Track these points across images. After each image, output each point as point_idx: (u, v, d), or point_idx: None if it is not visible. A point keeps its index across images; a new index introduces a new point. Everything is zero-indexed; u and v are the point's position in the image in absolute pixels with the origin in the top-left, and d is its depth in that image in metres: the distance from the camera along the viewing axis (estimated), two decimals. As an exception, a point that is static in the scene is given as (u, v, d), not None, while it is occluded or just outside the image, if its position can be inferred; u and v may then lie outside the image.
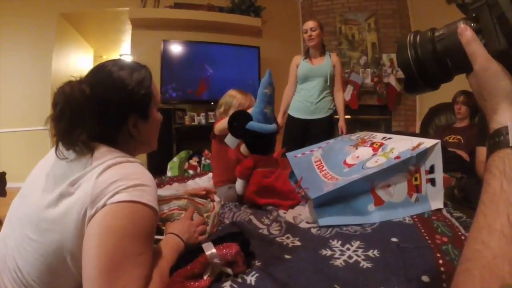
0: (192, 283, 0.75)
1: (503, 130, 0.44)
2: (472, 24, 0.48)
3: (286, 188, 1.45)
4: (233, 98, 1.72)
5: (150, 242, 0.70)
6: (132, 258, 0.64)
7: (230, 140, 1.42)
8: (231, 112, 1.65)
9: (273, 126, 1.43)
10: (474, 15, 0.48)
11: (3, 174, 2.58)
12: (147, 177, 0.74)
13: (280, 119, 2.99)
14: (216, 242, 0.84)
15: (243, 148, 1.49)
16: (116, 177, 0.68)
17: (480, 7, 0.46)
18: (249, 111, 1.44)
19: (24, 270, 0.69)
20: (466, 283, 0.39)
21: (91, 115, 0.73)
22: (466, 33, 0.47)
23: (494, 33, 0.45)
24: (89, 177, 0.69)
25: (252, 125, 1.39)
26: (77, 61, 5.07)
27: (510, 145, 0.42)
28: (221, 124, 1.55)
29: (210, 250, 0.80)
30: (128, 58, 4.96)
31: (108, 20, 4.79)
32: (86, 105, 0.73)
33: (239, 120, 1.39)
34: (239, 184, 1.49)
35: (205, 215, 1.08)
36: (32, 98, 4.05)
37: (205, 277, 0.77)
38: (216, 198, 1.22)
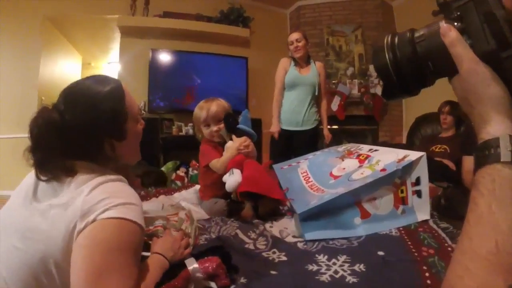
0: (175, 299, 0.74)
1: (493, 142, 0.40)
2: (455, 24, 0.44)
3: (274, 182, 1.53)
4: (200, 109, 1.68)
5: (136, 257, 0.72)
6: (119, 270, 0.65)
7: (224, 133, 1.64)
8: (202, 125, 1.68)
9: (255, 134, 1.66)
10: (458, 13, 0.44)
11: None
12: (134, 196, 0.77)
13: (276, 126, 2.93)
14: (198, 257, 0.84)
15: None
16: (105, 195, 0.70)
17: (466, 5, 0.43)
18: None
19: (9, 280, 0.69)
20: None
21: (64, 144, 0.75)
22: (450, 33, 0.43)
23: (481, 32, 0.41)
24: (78, 194, 0.70)
25: (243, 126, 1.61)
26: (65, 68, 4.93)
27: (501, 160, 0.38)
28: (216, 163, 1.58)
29: (192, 265, 0.81)
30: (116, 66, 4.93)
31: (97, 27, 4.71)
32: (58, 135, 0.74)
33: (233, 117, 1.63)
34: (235, 175, 1.46)
35: (183, 227, 1.06)
36: (19, 104, 3.93)
37: (188, 293, 0.76)
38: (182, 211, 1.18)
